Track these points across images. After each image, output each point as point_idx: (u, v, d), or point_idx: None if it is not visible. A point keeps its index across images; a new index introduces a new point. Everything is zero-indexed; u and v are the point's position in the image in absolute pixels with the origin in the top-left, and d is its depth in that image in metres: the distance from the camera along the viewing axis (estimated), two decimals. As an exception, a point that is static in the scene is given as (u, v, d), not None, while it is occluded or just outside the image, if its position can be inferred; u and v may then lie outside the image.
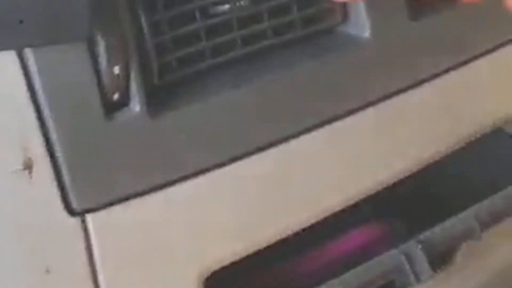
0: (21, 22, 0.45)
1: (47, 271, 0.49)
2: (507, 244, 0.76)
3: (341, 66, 0.60)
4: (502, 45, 0.69)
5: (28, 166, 0.48)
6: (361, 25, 0.60)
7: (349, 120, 0.61)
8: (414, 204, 0.81)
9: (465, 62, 0.67)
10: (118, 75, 0.50)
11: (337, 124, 0.60)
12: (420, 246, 0.64)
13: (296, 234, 0.62)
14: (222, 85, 0.55)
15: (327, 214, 0.60)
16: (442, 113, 0.68)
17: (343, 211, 0.64)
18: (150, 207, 0.52)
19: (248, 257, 0.59)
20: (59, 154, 0.49)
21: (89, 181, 0.50)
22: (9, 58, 0.47)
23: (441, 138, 0.67)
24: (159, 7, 0.52)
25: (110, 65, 0.49)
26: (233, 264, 0.58)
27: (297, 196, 0.59)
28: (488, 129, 0.72)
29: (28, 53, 0.47)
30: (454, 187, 0.79)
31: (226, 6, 0.55)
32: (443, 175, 0.78)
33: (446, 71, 0.65)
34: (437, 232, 0.66)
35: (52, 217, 0.49)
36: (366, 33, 0.60)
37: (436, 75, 0.65)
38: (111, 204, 0.50)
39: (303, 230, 0.63)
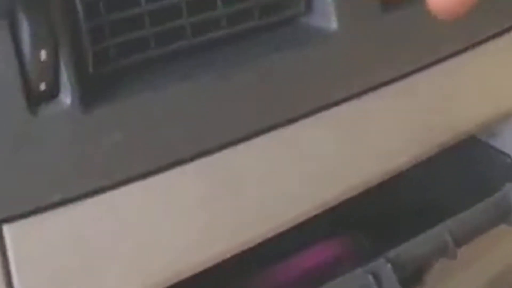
0: None
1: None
2: (483, 262, 0.70)
3: (302, 61, 0.53)
4: (480, 42, 0.63)
5: None
6: (327, 16, 0.54)
7: (308, 122, 0.54)
8: (379, 218, 0.75)
9: (439, 61, 0.61)
10: (45, 61, 0.42)
11: (295, 126, 0.54)
12: (389, 265, 0.58)
13: (252, 250, 0.55)
14: (167, 77, 0.48)
15: (283, 228, 0.53)
16: (413, 117, 0.62)
17: (301, 224, 0.58)
18: (76, 217, 0.45)
19: (200, 276, 0.52)
20: (-29, 152, 0.41)
21: (7, 186, 0.42)
22: None
23: (411, 145, 0.61)
24: (96, -15, 0.45)
25: (35, 49, 0.42)
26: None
27: (250, 207, 0.52)
28: (462, 136, 0.67)
29: None
30: (424, 199, 0.74)
31: (175, -12, 0.48)
32: (413, 185, 0.72)
33: (419, 70, 0.59)
34: (408, 249, 0.60)
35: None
36: (333, 25, 0.54)
37: (407, 74, 0.59)
38: (32, 213, 0.43)
39: (260, 245, 0.56)
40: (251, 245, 0.52)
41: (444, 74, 0.62)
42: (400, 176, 0.63)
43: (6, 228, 0.43)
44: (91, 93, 0.45)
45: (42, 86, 0.43)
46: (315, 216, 0.58)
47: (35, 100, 0.43)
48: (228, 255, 0.51)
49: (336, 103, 0.55)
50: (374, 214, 0.74)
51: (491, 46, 0.64)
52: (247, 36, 0.52)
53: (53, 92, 0.44)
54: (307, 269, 0.66)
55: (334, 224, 0.71)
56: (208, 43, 0.51)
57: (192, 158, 0.48)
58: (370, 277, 0.57)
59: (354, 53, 0.55)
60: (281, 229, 0.53)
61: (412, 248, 0.60)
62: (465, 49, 0.63)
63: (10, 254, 0.43)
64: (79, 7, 0.45)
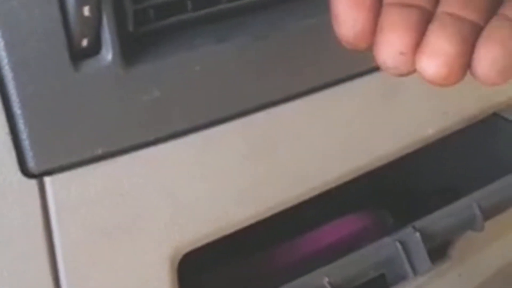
0: None
1: (-3, 240, 0.43)
2: (509, 238, 0.71)
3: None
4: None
5: (-23, 117, 0.41)
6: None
7: (342, 88, 0.55)
8: (402, 196, 0.76)
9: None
10: (88, 17, 0.43)
11: (326, 93, 0.55)
12: (417, 234, 0.59)
13: (280, 221, 0.57)
14: (203, 39, 0.49)
15: (318, 191, 0.54)
16: (439, 92, 0.63)
17: (326, 199, 0.59)
18: (118, 172, 0.46)
19: (227, 241, 0.53)
20: (15, 106, 0.42)
21: (50, 139, 0.44)
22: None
23: (440, 117, 0.62)
24: None
25: (79, 4, 0.43)
26: (211, 248, 0.52)
27: (288, 167, 0.53)
28: (485, 114, 0.68)
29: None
30: (449, 176, 0.75)
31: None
32: (436, 163, 0.73)
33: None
34: (436, 219, 0.60)
35: (4, 178, 0.42)
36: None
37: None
38: (74, 166, 0.44)
39: (287, 217, 0.57)
40: (288, 205, 0.53)
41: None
42: (423, 154, 0.64)
43: (48, 180, 0.44)
44: (131, 51, 0.46)
45: (84, 42, 0.44)
46: (339, 192, 0.59)
47: (78, 56, 0.44)
48: (266, 215, 0.52)
49: (368, 72, 0.56)
50: (398, 191, 0.75)
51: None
52: (281, 2, 0.53)
53: (94, 49, 0.45)
54: (332, 241, 0.67)
55: (358, 201, 0.72)
56: (243, 7, 0.51)
57: (229, 118, 0.49)
58: (398, 245, 0.58)
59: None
60: (316, 192, 0.54)
61: (440, 218, 0.61)
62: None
63: (51, 206, 0.44)
64: (121, -36, 0.45)
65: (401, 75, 0.41)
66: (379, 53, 0.40)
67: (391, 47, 0.40)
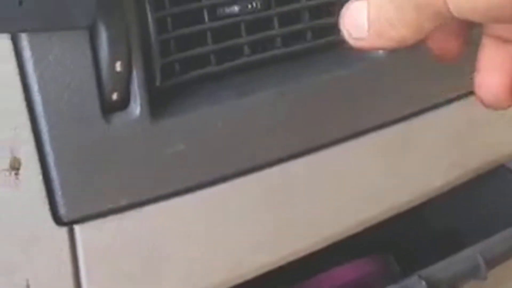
0: (20, 3, 0.41)
1: (28, 286, 0.45)
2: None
3: (349, 83, 0.57)
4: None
5: (14, 167, 0.44)
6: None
7: (357, 141, 0.58)
8: (409, 243, 0.78)
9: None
10: (119, 72, 0.46)
11: (345, 145, 0.57)
12: (423, 283, 0.61)
13: (286, 265, 0.59)
14: (226, 92, 0.52)
15: (329, 241, 0.57)
16: (449, 143, 0.66)
17: (333, 243, 0.61)
18: (144, 221, 0.48)
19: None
20: (49, 156, 0.45)
21: (81, 189, 0.46)
22: (2, 44, 0.42)
23: (448, 170, 0.65)
24: (166, 2, 0.49)
25: (112, 60, 0.45)
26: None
27: (301, 218, 0.56)
28: (492, 165, 0.70)
29: (24, 40, 0.43)
30: (452, 226, 0.77)
31: (236, 8, 0.52)
32: (441, 212, 0.75)
33: (457, 99, 0.63)
34: (441, 268, 0.63)
35: (37, 226, 0.45)
36: (380, 51, 0.57)
37: (447, 102, 0.63)
38: (102, 215, 0.47)
39: (294, 260, 0.59)
40: (301, 254, 0.55)
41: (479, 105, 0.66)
42: (430, 203, 0.67)
43: (77, 228, 0.46)
44: (158, 105, 0.48)
45: (115, 96, 0.47)
46: (347, 238, 0.62)
47: (108, 109, 0.46)
48: (281, 263, 0.54)
49: (379, 126, 0.59)
50: (404, 239, 0.77)
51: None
52: (300, 56, 0.56)
53: (124, 102, 0.47)
54: (339, 285, 0.69)
55: (365, 247, 0.74)
56: (264, 61, 0.54)
57: (248, 171, 0.52)
58: (405, 294, 0.60)
59: (399, 77, 0.58)
60: (330, 241, 0.56)
61: (446, 267, 0.63)
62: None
63: (80, 252, 0.46)
64: (150, 21, 0.48)
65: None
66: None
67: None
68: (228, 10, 0.52)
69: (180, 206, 0.50)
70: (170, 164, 0.49)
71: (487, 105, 0.42)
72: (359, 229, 0.59)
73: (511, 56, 0.41)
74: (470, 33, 0.42)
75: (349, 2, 0.40)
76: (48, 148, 0.44)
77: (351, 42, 0.41)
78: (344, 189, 0.57)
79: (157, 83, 0.49)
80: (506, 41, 0.41)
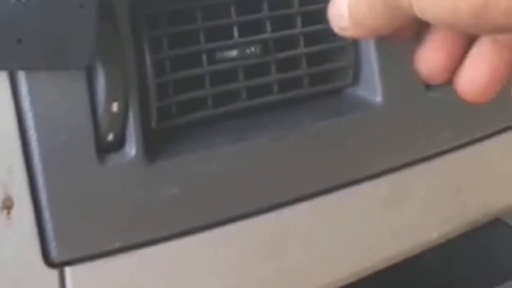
0: (18, 41, 0.42)
1: (16, 328, 0.45)
2: None
3: (347, 130, 0.58)
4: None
5: (6, 206, 0.44)
6: (373, 89, 0.58)
7: (350, 191, 0.59)
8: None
9: (473, 142, 0.66)
10: (115, 112, 0.47)
11: (337, 195, 0.58)
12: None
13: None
14: (222, 137, 0.53)
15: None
16: (446, 194, 0.66)
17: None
18: (134, 265, 0.49)
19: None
20: (42, 196, 0.45)
21: (73, 230, 0.46)
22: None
23: (444, 221, 0.66)
24: (164, 45, 0.50)
25: (109, 100, 0.46)
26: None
27: (292, 269, 0.56)
28: (487, 219, 0.71)
29: (21, 77, 0.44)
30: (445, 280, 0.77)
31: (234, 52, 0.53)
32: (436, 265, 0.76)
33: (456, 148, 0.64)
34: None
35: (27, 266, 0.45)
36: (378, 98, 0.58)
37: (443, 153, 0.64)
38: (94, 257, 0.47)
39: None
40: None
41: (477, 155, 0.67)
42: (422, 256, 0.67)
43: (68, 270, 0.46)
44: (153, 147, 0.49)
45: (110, 137, 0.48)
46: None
47: (103, 149, 0.47)
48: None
49: (377, 175, 0.60)
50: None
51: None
52: (297, 103, 0.57)
53: (119, 143, 0.48)
54: None
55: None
56: (260, 107, 0.55)
57: (242, 216, 0.52)
58: None
59: (397, 126, 0.59)
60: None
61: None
62: (497, 132, 0.67)
63: (70, 296, 0.47)
64: (148, 64, 0.49)
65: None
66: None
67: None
68: (226, 54, 0.53)
69: (174, 250, 0.50)
70: (164, 207, 0.49)
71: (424, 78, 0.45)
72: (351, 280, 0.59)
73: (454, 37, 0.44)
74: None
75: None
76: (41, 187, 0.45)
77: (337, 30, 0.43)
78: (338, 238, 0.58)
79: (153, 125, 0.50)
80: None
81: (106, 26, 0.45)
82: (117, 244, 0.48)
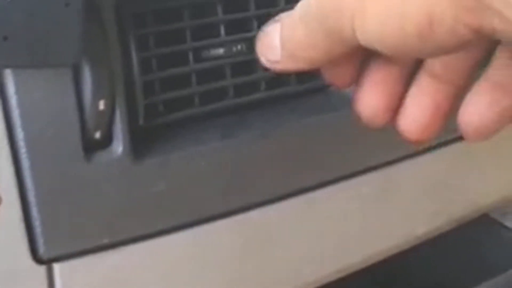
0: (5, 39, 0.43)
1: (4, 324, 0.45)
2: None
3: (334, 126, 0.58)
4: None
5: (-6, 203, 0.44)
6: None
7: (336, 188, 0.59)
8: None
9: (460, 138, 0.66)
10: (102, 110, 0.47)
11: (324, 191, 0.58)
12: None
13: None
14: (209, 134, 0.53)
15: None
16: (430, 191, 0.67)
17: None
18: (124, 261, 0.49)
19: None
20: (30, 193, 0.46)
21: (61, 227, 0.47)
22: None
23: (427, 219, 0.66)
24: (151, 44, 0.50)
25: (96, 98, 0.47)
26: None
27: (278, 265, 0.56)
28: (474, 215, 0.71)
29: (8, 75, 0.44)
30: (434, 276, 0.78)
31: (221, 50, 0.53)
32: (424, 262, 0.76)
33: (443, 144, 0.64)
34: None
35: (15, 263, 0.46)
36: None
37: (429, 149, 0.64)
38: (82, 254, 0.47)
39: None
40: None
41: (464, 151, 0.67)
42: (411, 252, 0.68)
43: (56, 266, 0.47)
44: (140, 144, 0.50)
45: (97, 135, 0.48)
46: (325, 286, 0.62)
47: (90, 147, 0.48)
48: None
49: (362, 171, 0.60)
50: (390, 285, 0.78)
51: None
52: (284, 100, 0.57)
53: (106, 141, 0.48)
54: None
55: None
56: (248, 104, 0.55)
57: (230, 213, 0.53)
58: None
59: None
60: None
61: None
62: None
63: (58, 291, 0.47)
64: (135, 62, 0.49)
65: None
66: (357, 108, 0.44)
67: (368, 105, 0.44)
68: (213, 52, 0.53)
69: (161, 246, 0.51)
70: (151, 203, 0.50)
71: (364, 120, 0.45)
72: (337, 276, 0.60)
73: (392, 76, 0.43)
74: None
75: (264, 25, 0.42)
76: (29, 184, 0.45)
77: (267, 64, 0.42)
78: (324, 235, 0.58)
79: (141, 123, 0.50)
80: (389, 62, 0.43)
81: (92, 24, 0.45)
82: (105, 241, 0.48)
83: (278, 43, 0.41)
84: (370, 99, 0.44)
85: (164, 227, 0.51)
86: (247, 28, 0.54)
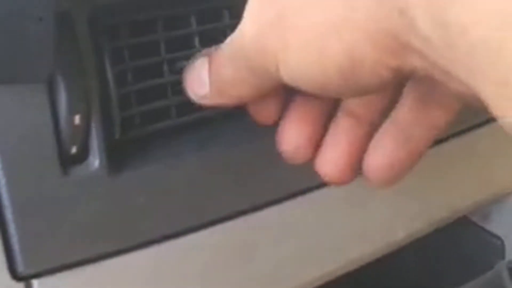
0: (-24, 56, 0.42)
1: None
2: None
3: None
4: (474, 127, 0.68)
5: (-30, 221, 0.44)
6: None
7: (315, 194, 0.59)
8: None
9: (438, 141, 0.66)
10: (78, 125, 0.47)
11: (303, 198, 0.58)
12: None
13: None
14: (187, 146, 0.52)
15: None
16: (409, 195, 0.67)
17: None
18: (104, 276, 0.48)
19: None
20: (7, 209, 0.45)
21: (39, 243, 0.46)
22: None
23: (409, 221, 0.66)
24: (126, 56, 0.50)
25: (71, 113, 0.46)
26: None
27: (255, 277, 0.56)
28: (453, 217, 0.71)
29: (-19, 93, 0.44)
30: (416, 279, 0.78)
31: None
32: (405, 266, 0.76)
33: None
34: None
35: (-6, 281, 0.45)
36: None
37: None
38: (61, 269, 0.47)
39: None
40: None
41: (442, 154, 0.67)
42: (393, 256, 0.67)
43: (35, 283, 0.46)
44: (117, 158, 0.49)
45: (73, 149, 0.47)
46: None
47: (67, 162, 0.47)
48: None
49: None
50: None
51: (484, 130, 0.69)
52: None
53: (82, 156, 0.48)
54: None
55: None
56: (225, 115, 0.55)
57: (210, 223, 0.52)
58: None
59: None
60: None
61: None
62: (462, 131, 0.68)
63: (38, 308, 0.46)
64: (110, 75, 0.49)
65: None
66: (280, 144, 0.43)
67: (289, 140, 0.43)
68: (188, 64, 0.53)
69: (141, 260, 0.50)
70: (130, 217, 0.49)
71: (289, 158, 0.45)
72: (319, 283, 0.59)
73: (313, 113, 0.43)
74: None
75: (192, 59, 0.42)
76: (5, 201, 0.45)
77: (195, 99, 0.42)
78: (305, 241, 0.58)
79: (117, 136, 0.50)
80: (311, 98, 0.43)
81: (65, 38, 0.45)
82: (84, 255, 0.48)
83: (207, 79, 0.41)
84: (291, 135, 0.44)
85: (144, 240, 0.50)
86: (220, 39, 0.53)
